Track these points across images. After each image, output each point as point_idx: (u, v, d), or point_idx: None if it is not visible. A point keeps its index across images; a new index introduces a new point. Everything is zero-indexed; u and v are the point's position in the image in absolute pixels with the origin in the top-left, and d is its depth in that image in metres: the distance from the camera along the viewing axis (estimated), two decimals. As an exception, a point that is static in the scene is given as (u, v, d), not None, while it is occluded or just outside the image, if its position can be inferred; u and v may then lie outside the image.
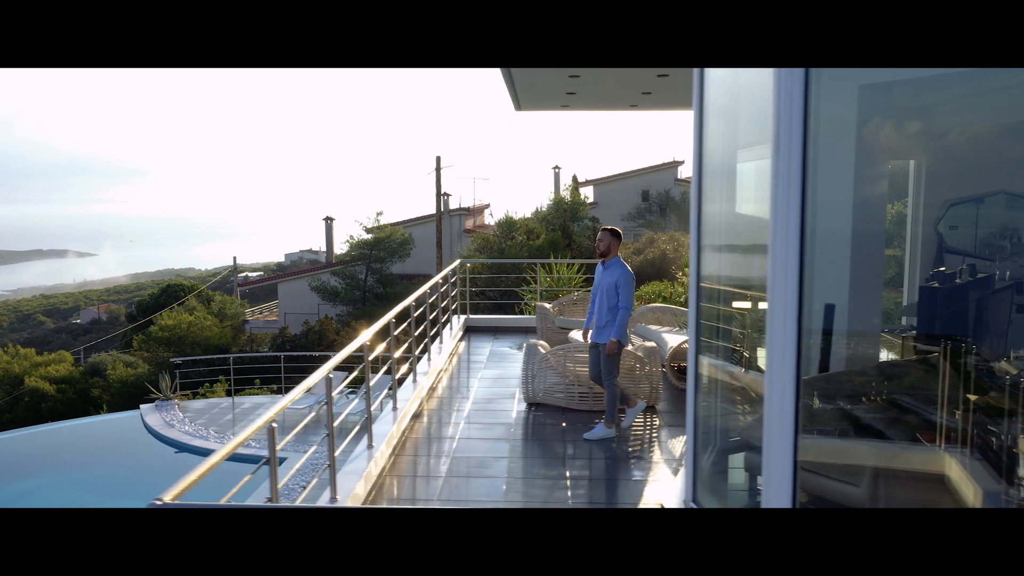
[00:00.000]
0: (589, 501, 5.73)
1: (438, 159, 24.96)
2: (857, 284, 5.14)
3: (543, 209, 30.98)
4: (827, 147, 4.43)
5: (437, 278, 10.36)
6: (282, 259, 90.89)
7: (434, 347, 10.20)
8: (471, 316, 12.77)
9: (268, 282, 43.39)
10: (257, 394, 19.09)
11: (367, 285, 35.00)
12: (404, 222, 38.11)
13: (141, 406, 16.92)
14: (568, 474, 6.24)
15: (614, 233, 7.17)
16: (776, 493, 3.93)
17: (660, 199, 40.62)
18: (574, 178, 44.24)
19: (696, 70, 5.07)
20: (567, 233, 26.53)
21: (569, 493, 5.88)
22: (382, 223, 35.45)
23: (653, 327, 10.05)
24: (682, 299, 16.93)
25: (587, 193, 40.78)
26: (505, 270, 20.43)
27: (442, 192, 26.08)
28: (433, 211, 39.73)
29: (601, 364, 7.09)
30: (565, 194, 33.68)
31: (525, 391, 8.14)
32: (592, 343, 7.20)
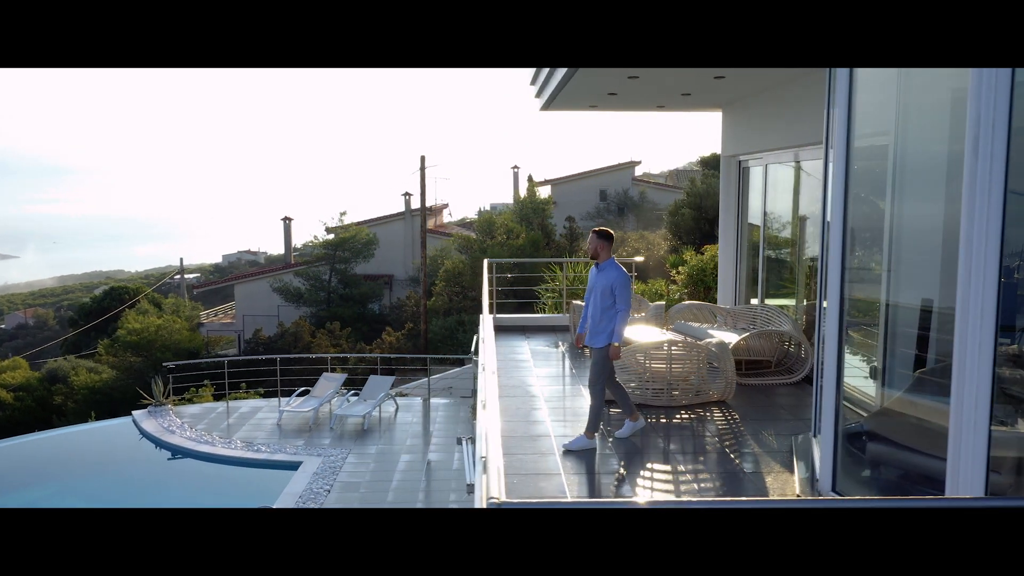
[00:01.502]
0: (722, 494, 5.89)
1: (423, 159, 24.89)
2: None
3: (505, 208, 31.15)
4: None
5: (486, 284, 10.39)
6: (219, 260, 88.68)
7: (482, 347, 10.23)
8: (497, 315, 12.81)
9: (225, 283, 42.35)
10: (245, 398, 18.70)
11: (331, 286, 34.56)
12: (367, 221, 37.75)
13: (134, 412, 16.41)
14: (681, 468, 6.40)
15: (601, 235, 6.86)
16: (967, 483, 4.16)
17: (618, 199, 41.21)
18: (530, 178, 44.49)
19: (843, 71, 5.26)
20: (546, 232, 26.77)
21: (697, 487, 6.04)
22: (346, 223, 35.05)
23: (694, 324, 10.29)
24: (677, 297, 17.31)
25: (544, 193, 41.07)
26: (524, 269, 20.49)
27: (419, 191, 25.95)
28: (399, 210, 39.50)
29: (590, 369, 6.91)
30: (527, 193, 33.91)
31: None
32: (586, 347, 6.98)
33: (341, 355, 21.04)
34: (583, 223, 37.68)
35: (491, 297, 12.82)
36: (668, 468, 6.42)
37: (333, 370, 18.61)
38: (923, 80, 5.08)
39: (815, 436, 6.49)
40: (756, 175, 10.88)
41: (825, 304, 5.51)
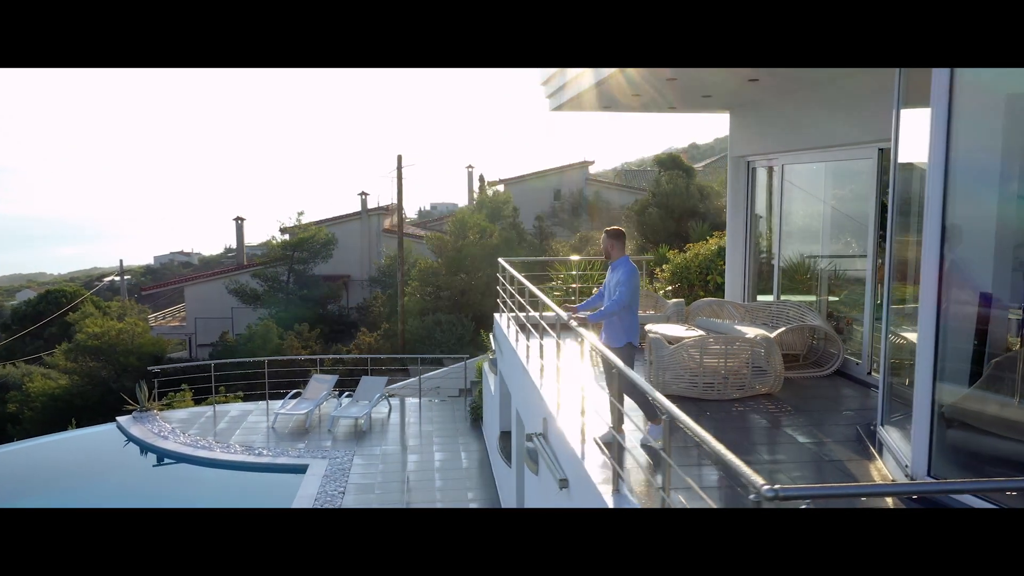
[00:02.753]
0: (818, 483, 6.14)
1: (399, 158, 24.68)
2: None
3: (456, 208, 31.19)
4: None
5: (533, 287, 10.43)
6: (151, 261, 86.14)
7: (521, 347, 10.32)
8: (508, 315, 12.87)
9: (174, 285, 41.18)
10: (226, 402, 18.30)
11: (289, 287, 33.97)
12: (322, 221, 37.23)
13: (118, 418, 15.90)
14: (766, 458, 6.63)
15: (611, 234, 6.99)
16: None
17: (573, 198, 41.66)
18: (481, 178, 44.65)
19: (947, 71, 5.53)
20: (518, 231, 26.94)
21: (798, 474, 6.27)
22: (303, 222, 34.52)
23: (716, 320, 10.58)
24: (661, 293, 17.67)
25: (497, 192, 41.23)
26: (530, 268, 20.50)
27: (396, 190, 25.74)
28: (355, 210, 39.06)
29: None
30: (479, 192, 34.08)
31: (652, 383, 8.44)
32: (575, 317, 7.12)
33: (335, 356, 20.77)
34: (539, 224, 37.97)
35: (523, 296, 12.84)
36: (750, 459, 6.64)
37: (310, 373, 18.38)
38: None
39: (882, 425, 6.83)
40: (774, 175, 11.23)
41: (920, 301, 5.79)
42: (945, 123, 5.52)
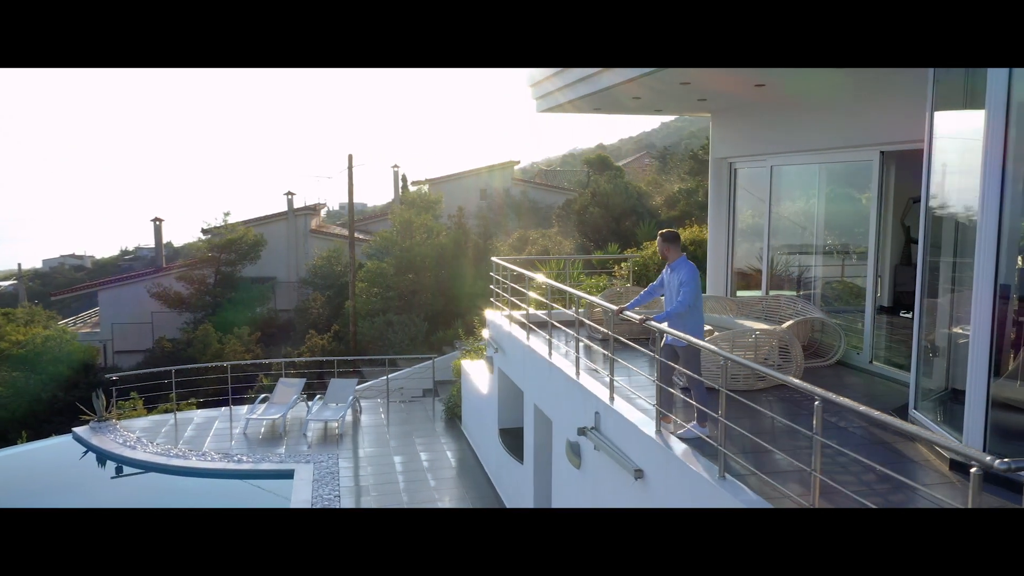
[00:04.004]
0: (885, 465, 6.57)
1: (350, 157, 24.24)
2: None
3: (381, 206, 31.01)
4: None
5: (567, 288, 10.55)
6: (39, 265, 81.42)
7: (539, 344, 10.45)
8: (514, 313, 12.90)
9: (88, 288, 39.08)
10: (186, 409, 17.66)
11: (216, 290, 32.85)
12: (248, 222, 36.14)
13: (75, 429, 15.11)
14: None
15: (666, 237, 7.20)
16: None
17: (499, 198, 41.92)
18: (403, 177, 44.44)
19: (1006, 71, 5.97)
20: (464, 231, 26.99)
21: (857, 455, 6.68)
22: (230, 223, 33.45)
23: (715, 315, 11.03)
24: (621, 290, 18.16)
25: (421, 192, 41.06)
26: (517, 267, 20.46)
27: (347, 190, 25.27)
28: (281, 210, 38.11)
29: (686, 363, 7.07)
30: (413, 190, 33.91)
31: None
32: (667, 346, 7.19)
33: (307, 359, 20.26)
34: (467, 222, 38.01)
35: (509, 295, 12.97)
36: (808, 445, 7.02)
37: (258, 378, 17.97)
38: None
39: (915, 409, 7.36)
40: (761, 176, 11.77)
41: (974, 290, 6.29)
42: (1004, 121, 5.98)
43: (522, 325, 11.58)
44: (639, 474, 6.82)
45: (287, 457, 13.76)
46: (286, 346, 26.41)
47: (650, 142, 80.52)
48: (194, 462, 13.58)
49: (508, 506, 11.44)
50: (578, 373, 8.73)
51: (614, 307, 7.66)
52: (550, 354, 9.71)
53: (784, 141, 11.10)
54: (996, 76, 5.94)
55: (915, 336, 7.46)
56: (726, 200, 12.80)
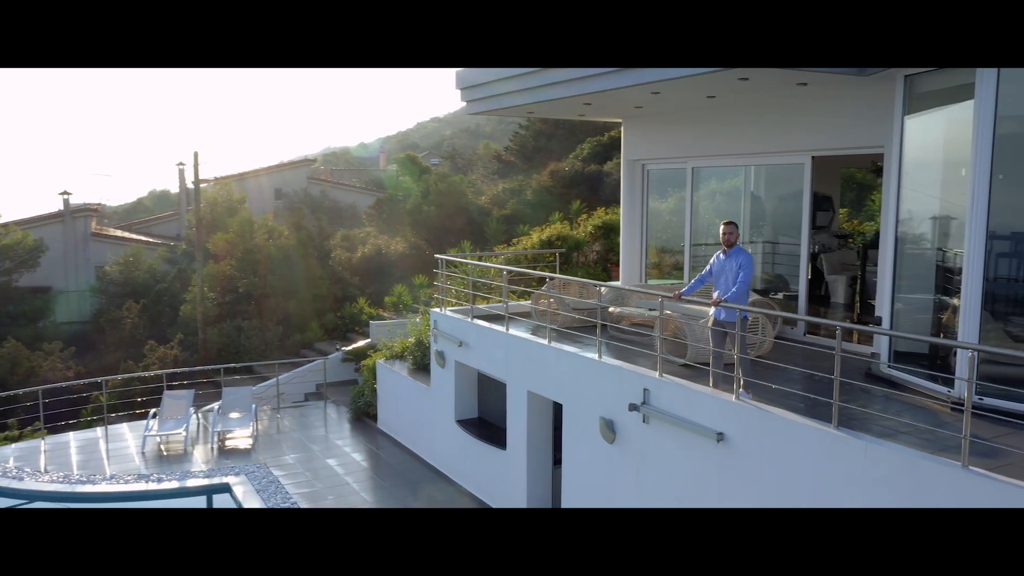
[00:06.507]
0: (894, 415, 8.00)
1: (196, 154, 22.30)
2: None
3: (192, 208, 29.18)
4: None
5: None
6: None
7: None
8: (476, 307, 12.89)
9: None
10: (53, 433, 15.70)
11: (-12, 302, 28.70)
12: (18, 223, 31.88)
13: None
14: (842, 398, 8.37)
15: (734, 225, 8.44)
16: None
17: (298, 197, 40.68)
18: (181, 175, 41.65)
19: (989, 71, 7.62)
20: (306, 230, 26.08)
21: (865, 406, 8.06)
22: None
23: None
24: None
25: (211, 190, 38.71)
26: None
27: (194, 190, 23.27)
28: (56, 209, 34.02)
29: (737, 338, 8.16)
30: (206, 188, 31.89)
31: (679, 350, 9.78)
32: (718, 322, 8.44)
33: (193, 369, 18.47)
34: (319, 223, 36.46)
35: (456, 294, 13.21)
36: (829, 400, 8.31)
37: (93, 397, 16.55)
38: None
39: (890, 366, 8.99)
40: (680, 177, 13.15)
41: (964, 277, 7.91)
42: (992, 124, 7.61)
43: (498, 319, 11.99)
44: (720, 437, 7.73)
45: (214, 471, 12.93)
46: (101, 361, 23.91)
47: (411, 141, 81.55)
48: (106, 487, 12.29)
49: (483, 493, 11.81)
50: (599, 355, 9.47)
51: (670, 294, 8.58)
52: (549, 343, 10.31)
53: (693, 146, 12.56)
54: (984, 76, 7.39)
55: (888, 310, 9.11)
56: (639, 198, 14.10)
